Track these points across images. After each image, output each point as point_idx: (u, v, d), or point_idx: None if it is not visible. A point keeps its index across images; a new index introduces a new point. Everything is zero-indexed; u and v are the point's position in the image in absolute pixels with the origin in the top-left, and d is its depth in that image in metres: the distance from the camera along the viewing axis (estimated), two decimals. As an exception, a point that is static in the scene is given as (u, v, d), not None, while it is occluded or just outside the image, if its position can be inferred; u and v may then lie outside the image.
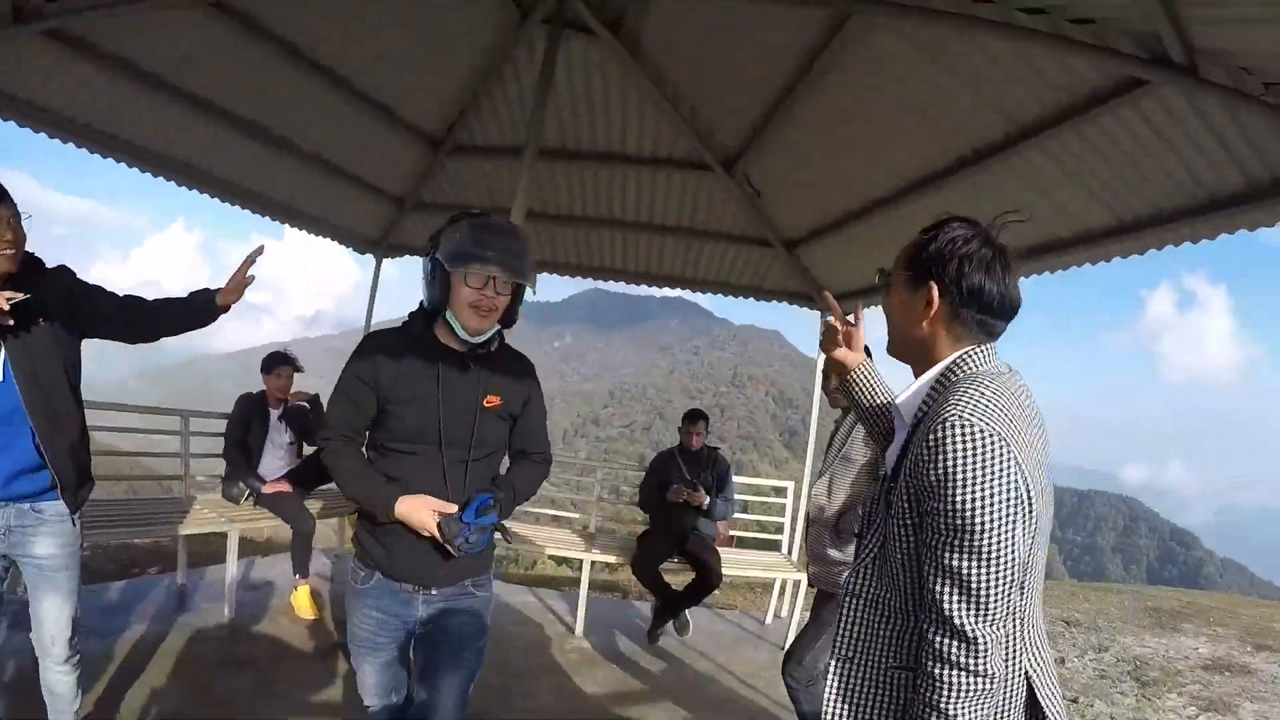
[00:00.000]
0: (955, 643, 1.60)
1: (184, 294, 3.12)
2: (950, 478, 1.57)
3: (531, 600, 6.77)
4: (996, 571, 1.57)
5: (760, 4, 3.99)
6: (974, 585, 1.57)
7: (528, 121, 3.92)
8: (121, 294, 2.95)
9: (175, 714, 3.90)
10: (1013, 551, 1.56)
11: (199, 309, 3.05)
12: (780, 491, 7.08)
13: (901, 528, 1.74)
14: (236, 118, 5.51)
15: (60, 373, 2.79)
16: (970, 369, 1.75)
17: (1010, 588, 1.59)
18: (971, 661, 1.59)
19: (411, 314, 2.58)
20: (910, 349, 1.90)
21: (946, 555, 1.60)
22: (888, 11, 3.50)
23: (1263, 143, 3.06)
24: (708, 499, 5.75)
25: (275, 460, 5.74)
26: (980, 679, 1.59)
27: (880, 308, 2.01)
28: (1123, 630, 7.56)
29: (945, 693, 1.61)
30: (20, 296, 2.48)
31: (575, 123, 5.86)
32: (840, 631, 1.88)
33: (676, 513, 5.84)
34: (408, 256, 8.01)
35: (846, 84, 4.39)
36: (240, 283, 3.04)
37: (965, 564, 1.58)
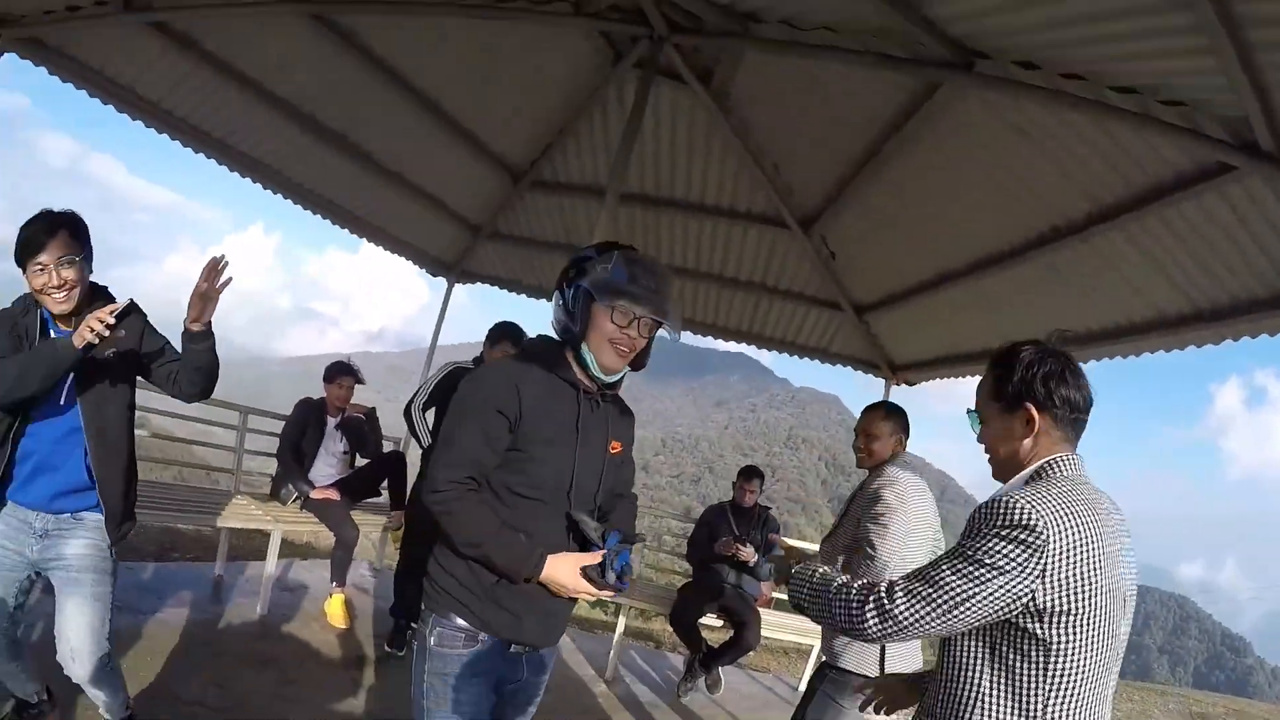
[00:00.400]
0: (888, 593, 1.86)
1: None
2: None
3: (565, 641, 6.74)
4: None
5: (851, 66, 3.99)
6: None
7: (612, 163, 3.97)
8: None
9: (194, 702, 3.92)
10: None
11: (194, 357, 2.87)
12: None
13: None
14: (326, 128, 5.65)
15: (122, 404, 2.88)
16: (1056, 471, 1.91)
17: None
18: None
19: (544, 341, 2.37)
20: (1016, 467, 2.02)
21: None
22: (978, 82, 3.49)
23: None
24: (755, 556, 5.68)
25: (327, 467, 5.80)
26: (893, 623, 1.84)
27: (975, 431, 2.21)
28: None
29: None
30: (119, 307, 2.53)
31: (657, 168, 5.91)
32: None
33: (721, 568, 5.79)
34: (479, 284, 8.14)
35: (931, 152, 4.39)
36: (200, 295, 2.74)
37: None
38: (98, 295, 2.81)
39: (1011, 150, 3.94)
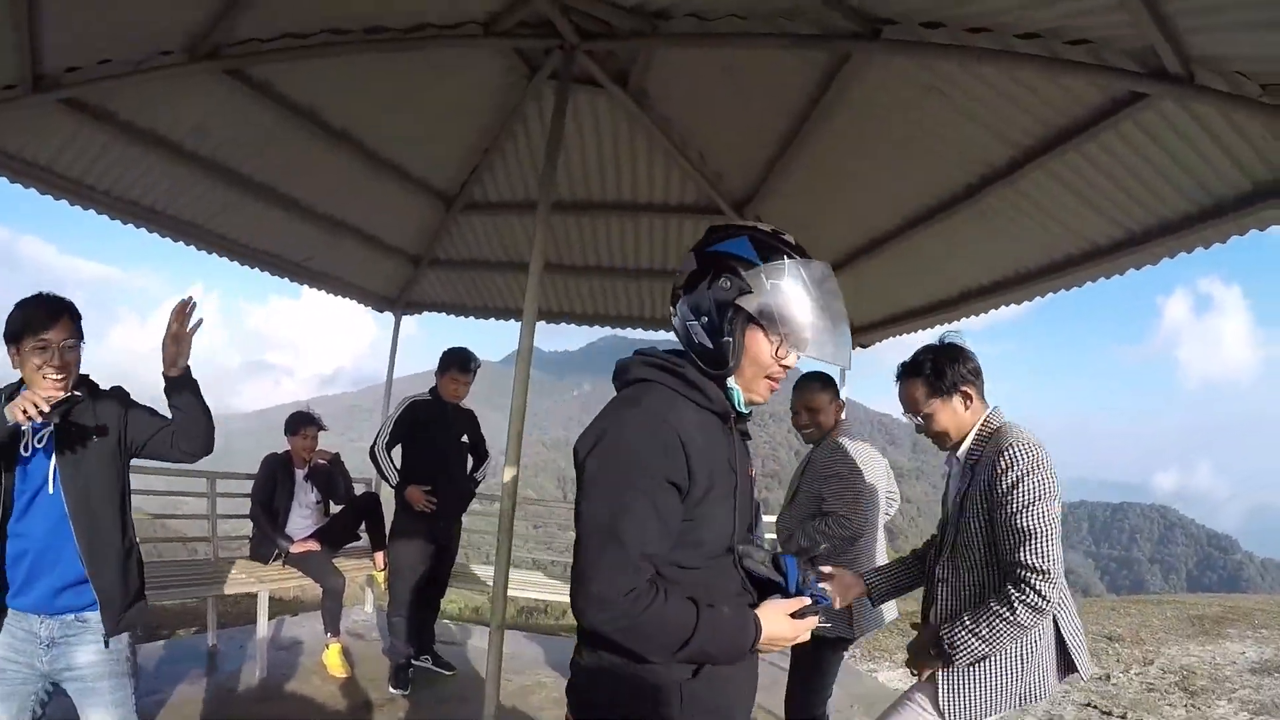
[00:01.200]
0: (1036, 577, 2.51)
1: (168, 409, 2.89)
2: (1026, 474, 2.59)
3: (569, 651, 6.74)
4: (1056, 531, 2.58)
5: (761, 50, 4.04)
6: (1044, 542, 2.54)
7: (540, 176, 3.97)
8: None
9: None
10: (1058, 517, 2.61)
11: (184, 408, 2.86)
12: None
13: (977, 526, 2.76)
14: (253, 182, 5.60)
15: (111, 490, 2.78)
16: (1000, 419, 2.86)
17: (1058, 543, 2.58)
18: (1045, 589, 2.50)
19: (680, 367, 1.91)
20: (961, 433, 2.91)
21: (1023, 522, 2.57)
22: (887, 48, 3.54)
23: (1264, 143, 3.10)
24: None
25: (302, 519, 5.80)
26: (1047, 602, 2.51)
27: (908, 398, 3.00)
28: (1166, 641, 7.50)
29: (1021, 610, 2.52)
30: (62, 397, 2.49)
31: (586, 174, 5.94)
32: (940, 600, 2.87)
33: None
34: (426, 313, 8.16)
35: (850, 122, 4.44)
36: (172, 338, 2.75)
37: (1037, 526, 2.55)
38: (83, 385, 2.77)
39: (928, 109, 4.00)
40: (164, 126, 4.87)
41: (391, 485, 5.29)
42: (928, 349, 3.02)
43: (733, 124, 5.11)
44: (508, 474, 3.75)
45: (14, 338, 2.63)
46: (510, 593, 6.48)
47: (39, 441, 2.60)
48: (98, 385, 2.84)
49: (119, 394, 2.88)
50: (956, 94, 3.77)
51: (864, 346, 7.06)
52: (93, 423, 2.71)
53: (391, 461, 5.33)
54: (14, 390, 2.64)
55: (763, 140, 5.07)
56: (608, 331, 8.08)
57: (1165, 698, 5.84)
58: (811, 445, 4.19)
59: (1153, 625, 8.27)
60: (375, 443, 5.39)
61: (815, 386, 4.08)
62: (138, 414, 2.87)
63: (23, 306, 2.66)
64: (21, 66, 3.85)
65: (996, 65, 3.36)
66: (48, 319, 2.62)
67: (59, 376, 2.62)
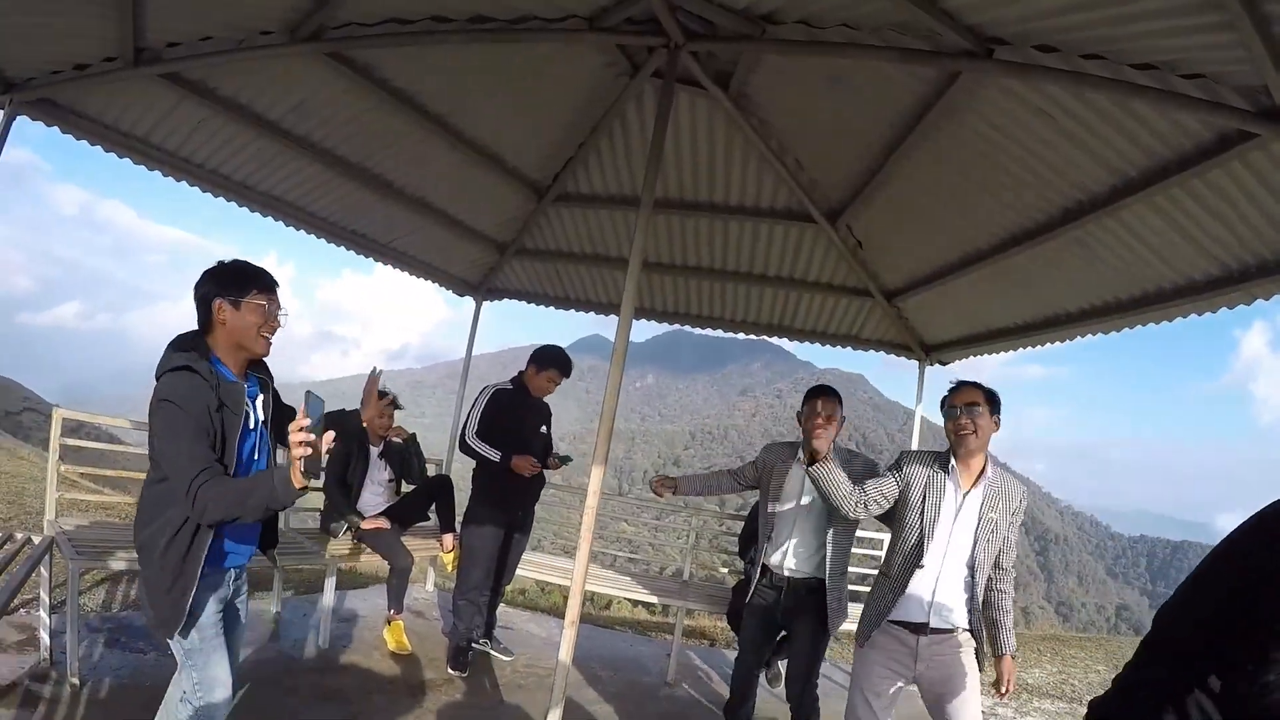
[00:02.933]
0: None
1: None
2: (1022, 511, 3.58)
3: (621, 644, 6.77)
4: None
5: (869, 61, 3.98)
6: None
7: (644, 174, 3.92)
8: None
9: None
10: None
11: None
12: (874, 544, 6.95)
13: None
14: (347, 162, 5.70)
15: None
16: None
17: None
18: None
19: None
20: (982, 450, 3.59)
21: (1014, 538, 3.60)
22: (998, 69, 3.47)
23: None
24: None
25: (374, 496, 5.87)
26: None
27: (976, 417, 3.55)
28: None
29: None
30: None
31: (679, 174, 5.92)
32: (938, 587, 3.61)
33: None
34: (506, 300, 8.21)
35: (953, 139, 4.36)
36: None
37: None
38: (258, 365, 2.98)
39: (1033, 132, 3.92)
40: (262, 105, 4.98)
41: (496, 460, 5.32)
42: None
43: (832, 133, 5.06)
44: (595, 473, 3.71)
45: (237, 290, 2.76)
46: (553, 580, 6.52)
47: (260, 410, 2.91)
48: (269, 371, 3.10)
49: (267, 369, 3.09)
50: (1064, 118, 3.69)
51: (943, 364, 6.98)
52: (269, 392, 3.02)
53: (486, 445, 5.35)
54: (193, 340, 2.78)
55: (861, 151, 5.00)
56: (671, 326, 8.05)
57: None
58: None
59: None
60: (464, 433, 5.43)
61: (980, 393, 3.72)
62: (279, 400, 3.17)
63: (247, 264, 2.84)
64: (123, 40, 3.97)
65: (1108, 93, 3.28)
66: (275, 281, 2.84)
67: (270, 339, 2.85)
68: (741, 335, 7.73)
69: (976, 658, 3.60)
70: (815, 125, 5.07)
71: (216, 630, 2.89)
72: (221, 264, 2.84)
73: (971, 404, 3.54)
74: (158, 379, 2.66)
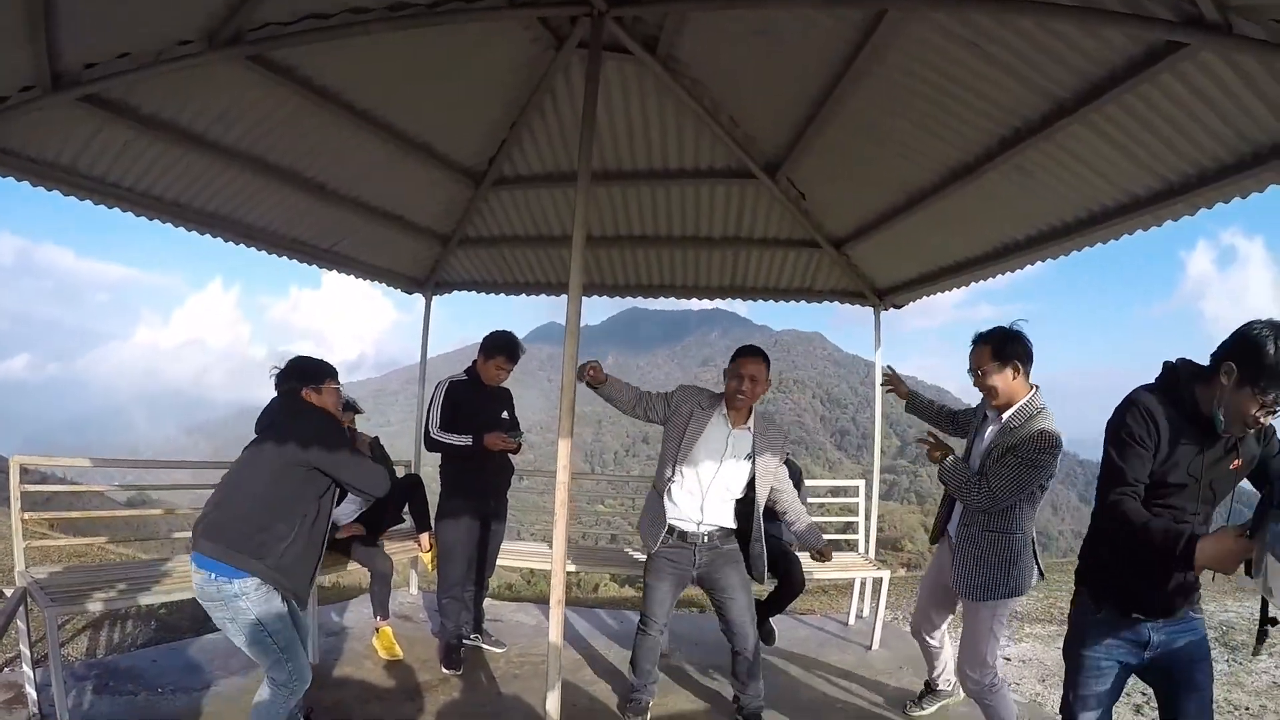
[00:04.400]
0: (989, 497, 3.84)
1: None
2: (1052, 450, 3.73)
3: (611, 623, 6.77)
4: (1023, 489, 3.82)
5: (794, 9, 3.95)
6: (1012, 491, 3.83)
7: (579, 147, 3.86)
8: None
9: None
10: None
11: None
12: (850, 491, 7.03)
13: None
14: (279, 168, 5.57)
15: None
16: (1041, 402, 3.87)
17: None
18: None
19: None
20: (1009, 398, 3.92)
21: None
22: (922, 2, 3.48)
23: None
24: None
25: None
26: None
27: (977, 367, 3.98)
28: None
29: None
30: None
31: (615, 144, 5.86)
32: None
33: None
34: (456, 293, 8.14)
35: (884, 80, 4.33)
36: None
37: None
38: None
39: (963, 64, 3.89)
40: (187, 118, 4.85)
41: (467, 445, 5.29)
42: (998, 328, 3.97)
43: (764, 86, 5.00)
44: (562, 446, 3.72)
45: (315, 380, 3.86)
46: (536, 566, 6.50)
47: None
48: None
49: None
50: (991, 47, 3.67)
51: (897, 307, 6.99)
52: None
53: (453, 435, 5.30)
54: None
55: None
56: (627, 304, 8.02)
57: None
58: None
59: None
60: (428, 428, 5.38)
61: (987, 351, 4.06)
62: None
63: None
64: (39, 66, 3.81)
65: (1032, 17, 3.28)
66: (335, 370, 3.97)
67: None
68: (697, 306, 7.76)
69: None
70: (746, 80, 5.02)
71: (288, 626, 3.56)
72: (298, 359, 3.89)
73: (983, 373, 3.96)
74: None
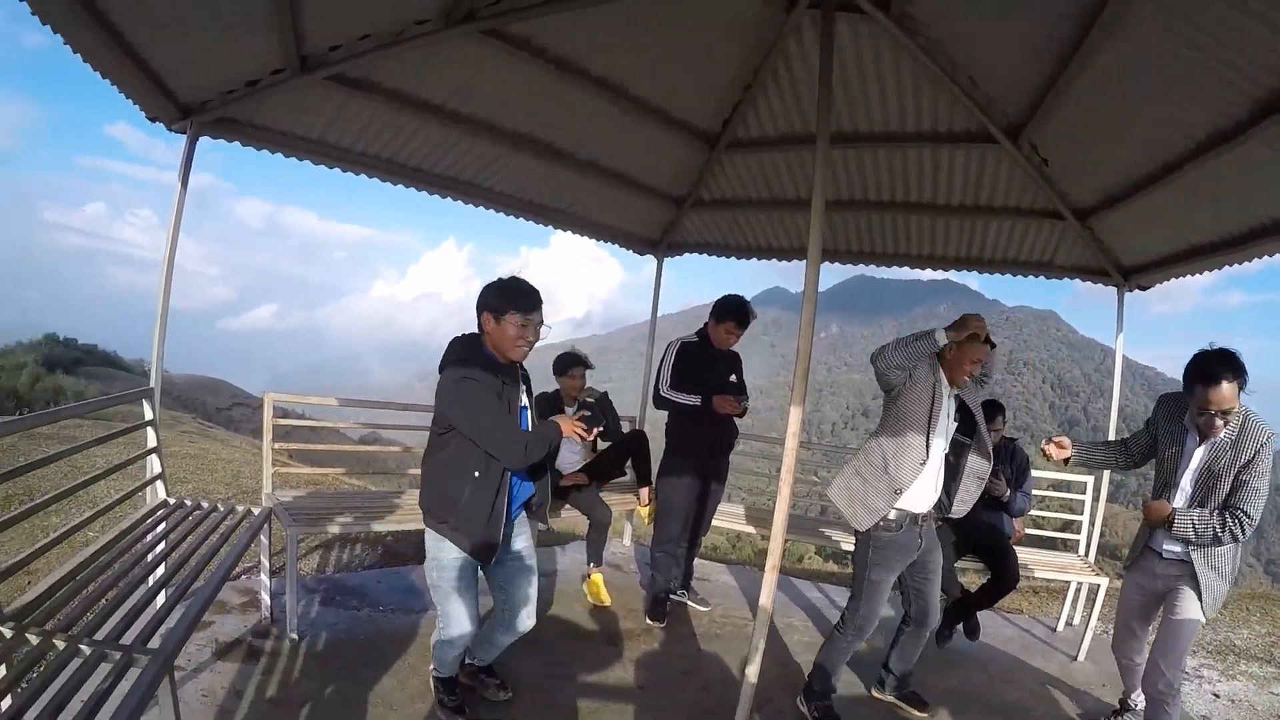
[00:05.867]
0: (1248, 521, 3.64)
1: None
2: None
3: (816, 595, 6.73)
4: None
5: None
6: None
7: (816, 109, 3.75)
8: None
9: (467, 689, 4.21)
10: None
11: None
12: (1075, 487, 6.63)
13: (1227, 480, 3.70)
14: (515, 135, 5.81)
15: None
16: (1245, 408, 3.71)
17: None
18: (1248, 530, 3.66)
19: None
20: None
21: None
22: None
23: None
24: (1007, 492, 5.49)
25: (571, 455, 6.01)
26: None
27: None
28: None
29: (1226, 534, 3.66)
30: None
31: (850, 106, 5.67)
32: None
33: (974, 509, 5.65)
34: (687, 255, 8.20)
35: (1135, 34, 3.91)
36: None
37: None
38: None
39: (1221, 16, 3.44)
40: (427, 92, 5.14)
41: (695, 405, 5.39)
42: (1229, 353, 3.71)
43: (1004, 44, 4.69)
44: (793, 415, 3.67)
45: (501, 308, 3.44)
46: (744, 530, 6.49)
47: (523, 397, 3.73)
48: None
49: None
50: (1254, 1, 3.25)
51: (1143, 288, 6.44)
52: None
53: (682, 394, 5.42)
54: (473, 338, 3.58)
55: (1038, 59, 4.60)
56: (854, 272, 7.83)
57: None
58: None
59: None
60: (658, 387, 5.53)
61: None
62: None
63: (519, 283, 3.52)
64: (287, 51, 4.17)
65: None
66: (538, 300, 3.50)
67: (527, 349, 3.58)
68: (926, 276, 7.46)
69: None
70: (985, 37, 4.73)
71: (459, 575, 3.59)
72: (499, 281, 3.52)
73: (1226, 411, 3.71)
74: (444, 369, 3.46)
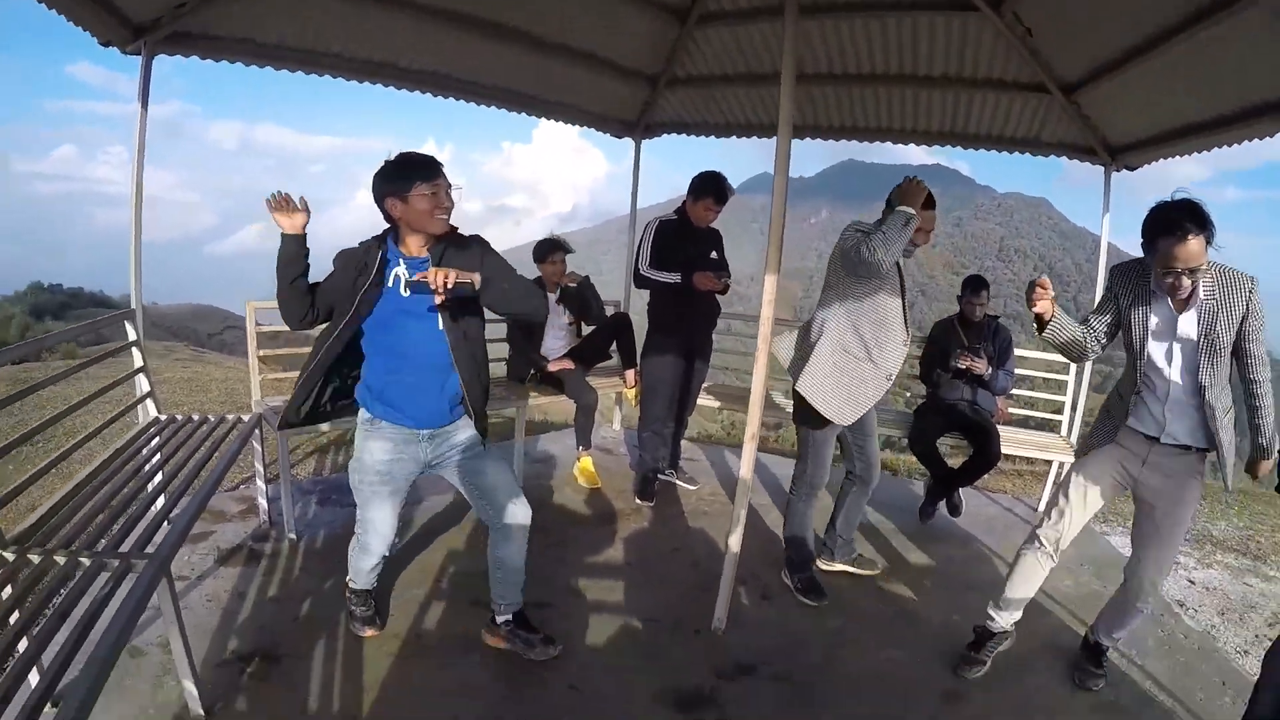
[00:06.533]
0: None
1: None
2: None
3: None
4: None
5: None
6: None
7: None
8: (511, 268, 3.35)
9: (471, 572, 4.32)
10: None
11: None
12: (1059, 369, 6.65)
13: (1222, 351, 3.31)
14: (479, 21, 5.71)
15: (478, 329, 3.34)
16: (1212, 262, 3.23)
17: None
18: None
19: None
20: None
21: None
22: None
23: None
24: (989, 368, 5.54)
25: (555, 341, 6.06)
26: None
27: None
28: None
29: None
30: (458, 277, 2.87)
31: (825, -28, 5.47)
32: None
33: (957, 384, 5.70)
34: (666, 135, 8.07)
35: None
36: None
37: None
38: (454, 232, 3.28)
39: None
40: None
41: (675, 283, 5.37)
42: (1191, 204, 3.18)
43: None
44: (768, 284, 3.64)
45: (401, 185, 3.05)
46: (733, 409, 6.54)
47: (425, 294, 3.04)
48: (460, 232, 3.28)
49: (479, 241, 3.31)
50: None
51: (1130, 168, 6.28)
52: (461, 264, 3.10)
53: (663, 273, 5.40)
54: (369, 244, 3.21)
55: None
56: (843, 156, 7.69)
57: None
58: None
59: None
60: (637, 266, 5.50)
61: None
62: (491, 259, 3.27)
63: (410, 156, 3.13)
64: None
65: None
66: (438, 164, 3.10)
67: (446, 216, 3.13)
68: (916, 160, 7.37)
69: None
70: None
71: (381, 480, 3.35)
72: (386, 163, 3.11)
73: (1193, 270, 3.22)
74: None
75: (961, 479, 5.67)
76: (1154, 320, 3.43)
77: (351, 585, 3.77)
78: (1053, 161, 6.54)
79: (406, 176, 3.05)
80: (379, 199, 3.12)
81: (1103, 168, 6.44)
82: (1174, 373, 3.42)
